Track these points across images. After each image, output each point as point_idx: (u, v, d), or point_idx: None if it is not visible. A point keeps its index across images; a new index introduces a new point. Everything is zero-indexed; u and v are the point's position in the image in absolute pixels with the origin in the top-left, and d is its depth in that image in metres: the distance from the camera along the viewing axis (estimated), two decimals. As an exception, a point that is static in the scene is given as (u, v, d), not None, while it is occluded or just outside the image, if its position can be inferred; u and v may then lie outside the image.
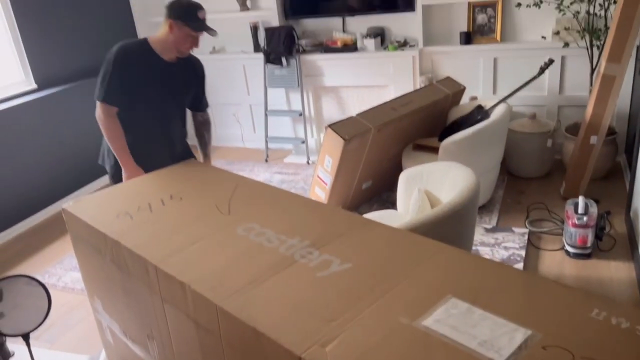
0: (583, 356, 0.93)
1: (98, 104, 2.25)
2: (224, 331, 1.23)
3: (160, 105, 2.37)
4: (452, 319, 1.07)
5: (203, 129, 2.60)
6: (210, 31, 2.24)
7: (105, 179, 4.43)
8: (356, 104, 4.36)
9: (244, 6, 4.42)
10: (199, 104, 2.56)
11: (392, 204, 3.54)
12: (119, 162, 2.29)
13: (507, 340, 0.99)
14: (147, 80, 2.27)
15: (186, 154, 2.52)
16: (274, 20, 4.34)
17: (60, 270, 3.12)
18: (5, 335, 1.56)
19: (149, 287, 1.48)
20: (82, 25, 4.25)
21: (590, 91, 3.30)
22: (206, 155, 2.64)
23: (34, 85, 3.86)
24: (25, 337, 1.57)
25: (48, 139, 3.89)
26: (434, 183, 2.48)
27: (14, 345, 2.52)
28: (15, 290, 1.54)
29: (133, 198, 1.82)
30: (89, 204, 1.82)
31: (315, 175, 3.26)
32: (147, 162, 2.32)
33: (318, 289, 1.22)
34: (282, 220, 1.57)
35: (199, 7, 2.22)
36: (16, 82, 3.77)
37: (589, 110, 3.08)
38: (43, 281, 1.88)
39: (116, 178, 2.39)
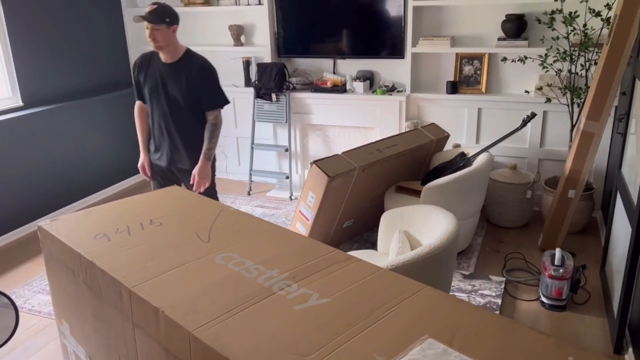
0: (557, 403, 0.93)
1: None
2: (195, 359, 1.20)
3: (159, 102, 2.75)
4: (427, 359, 1.06)
5: (207, 129, 2.80)
6: (143, 16, 2.59)
7: (84, 202, 4.36)
8: (342, 143, 4.41)
9: (237, 41, 4.50)
10: (203, 103, 2.78)
11: (372, 244, 3.54)
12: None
13: (482, 383, 0.98)
14: (147, 80, 2.75)
15: (189, 151, 2.82)
16: (267, 56, 4.42)
17: (29, 292, 3.03)
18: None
19: (120, 312, 1.44)
20: (74, 49, 4.27)
21: (570, 146, 3.39)
22: (202, 154, 2.80)
23: (20, 103, 3.84)
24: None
25: (30, 158, 3.84)
26: (415, 225, 2.50)
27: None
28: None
29: (112, 220, 1.80)
30: (67, 223, 1.79)
31: (298, 210, 3.25)
32: (154, 153, 2.90)
33: (294, 322, 1.20)
34: (262, 251, 1.56)
35: (151, 4, 2.64)
36: (2, 98, 3.74)
37: (568, 164, 3.16)
38: (10, 300, 1.82)
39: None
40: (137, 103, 2.89)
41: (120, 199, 1.97)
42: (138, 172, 4.97)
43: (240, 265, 1.48)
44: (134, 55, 4.85)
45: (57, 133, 4.06)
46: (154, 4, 2.63)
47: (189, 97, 2.71)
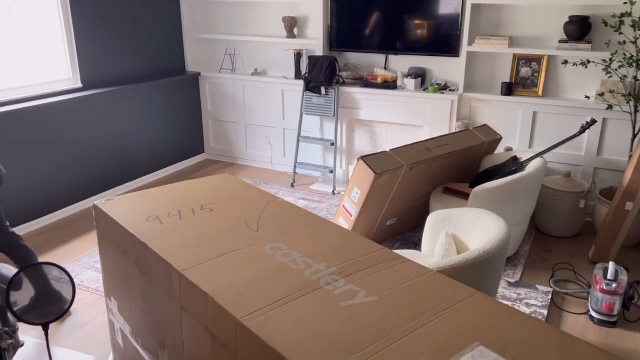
0: None
1: None
2: (240, 348, 1.20)
3: None
4: (478, 367, 1.03)
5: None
6: None
7: (136, 183, 4.49)
8: (389, 141, 4.36)
9: (290, 33, 4.50)
10: None
11: (415, 245, 3.50)
12: None
13: (536, 397, 0.94)
14: None
15: None
16: (319, 50, 4.41)
17: (78, 268, 3.14)
18: (27, 323, 1.56)
19: (169, 294, 1.47)
20: (133, 35, 4.38)
21: (630, 157, 3.24)
22: None
23: (80, 85, 3.97)
24: (45, 327, 1.56)
25: (87, 138, 3.98)
26: (463, 228, 2.44)
27: (23, 337, 2.53)
28: (42, 278, 1.55)
29: (164, 204, 1.83)
30: (121, 203, 1.83)
31: (341, 205, 3.24)
32: None
33: (341, 318, 1.19)
34: (310, 244, 1.56)
35: None
36: (63, 79, 3.88)
37: (628, 175, 3.02)
38: (64, 275, 1.88)
39: None
40: None
41: (171, 181, 2.00)
42: (189, 157, 5.07)
43: (288, 257, 1.48)
44: (189, 46, 4.94)
45: (113, 115, 4.18)
46: None
47: None
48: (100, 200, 1.85)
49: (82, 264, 3.18)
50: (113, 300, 1.91)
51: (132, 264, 1.65)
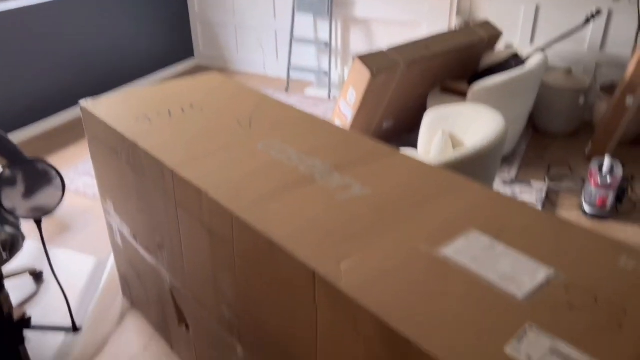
0: (606, 300, 0.90)
1: None
2: (237, 241, 1.21)
3: None
4: (473, 251, 1.03)
5: None
6: None
7: (126, 87, 4.38)
8: (385, 40, 4.20)
9: None
10: None
11: (412, 146, 3.48)
12: None
13: (529, 277, 0.96)
14: None
15: None
16: (310, -59, 4.13)
17: (74, 175, 3.14)
18: (20, 217, 1.57)
19: (163, 192, 1.46)
20: None
21: (634, 49, 3.13)
22: None
23: (58, -15, 3.74)
24: (38, 222, 1.57)
25: (75, 42, 3.82)
26: (460, 126, 2.41)
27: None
28: (31, 175, 1.53)
29: (152, 103, 1.78)
30: (107, 104, 1.78)
31: (337, 107, 3.18)
32: None
33: (337, 209, 1.19)
34: (304, 141, 1.52)
35: None
36: (40, -21, 3.65)
37: (630, 69, 2.94)
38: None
39: None
40: None
41: (160, 83, 1.93)
42: (178, 61, 4.91)
43: (282, 153, 1.45)
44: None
45: (97, 18, 3.98)
46: None
47: None
48: (86, 100, 1.79)
49: (77, 171, 3.17)
50: (109, 201, 1.91)
51: (124, 164, 1.63)
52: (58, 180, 1.54)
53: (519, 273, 0.97)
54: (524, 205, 1.20)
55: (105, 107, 1.75)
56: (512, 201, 1.22)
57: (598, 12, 3.04)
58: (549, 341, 0.82)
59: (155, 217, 1.57)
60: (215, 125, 1.61)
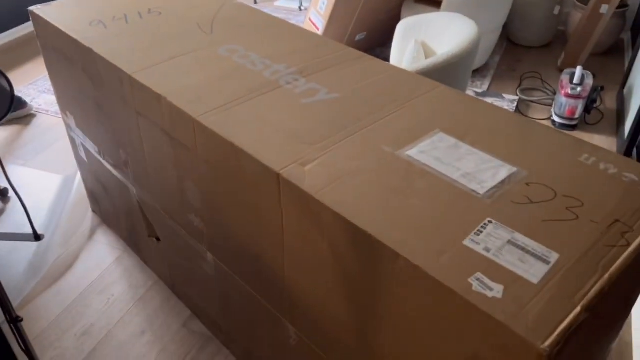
0: (565, 195, 0.91)
1: None
2: (200, 147, 1.18)
3: None
4: (437, 151, 1.03)
5: None
6: None
7: None
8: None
9: None
10: None
11: (385, 60, 3.40)
12: None
13: (491, 174, 0.96)
14: None
15: None
16: None
17: (34, 92, 3.01)
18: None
19: (123, 100, 1.40)
20: None
21: (613, -45, 3.03)
22: None
23: None
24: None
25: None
26: (433, 35, 2.35)
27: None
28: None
29: (107, 7, 1.67)
30: (60, 9, 1.66)
31: (307, 17, 3.06)
32: None
33: (302, 114, 1.16)
34: (269, 46, 1.46)
35: None
36: None
37: (607, -25, 2.86)
38: (12, 90, 1.78)
39: None
40: None
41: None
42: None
43: (245, 58, 1.39)
44: None
45: None
46: None
47: None
48: (37, 6, 1.67)
49: (37, 88, 3.04)
50: (69, 114, 1.84)
51: (81, 73, 1.55)
52: (3, 80, 1.46)
53: (481, 171, 0.97)
54: (491, 106, 1.19)
55: (56, 12, 1.64)
56: (480, 103, 1.20)
57: None
58: (507, 234, 0.84)
59: (117, 128, 1.52)
60: (174, 31, 1.53)
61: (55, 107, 2.85)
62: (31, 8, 1.65)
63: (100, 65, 1.42)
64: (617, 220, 0.86)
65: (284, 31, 1.56)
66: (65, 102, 1.81)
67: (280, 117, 1.15)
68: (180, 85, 1.26)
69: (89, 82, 1.53)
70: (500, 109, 1.19)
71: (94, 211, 2.19)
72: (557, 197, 0.91)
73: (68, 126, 1.92)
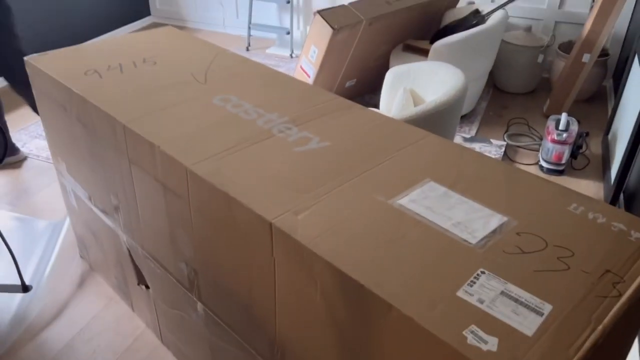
0: (556, 244, 0.92)
1: None
2: (193, 196, 1.18)
3: None
4: (428, 200, 1.04)
5: None
6: None
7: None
8: (348, -3, 4.12)
9: None
10: None
11: (374, 106, 3.46)
12: None
13: (482, 224, 0.97)
14: None
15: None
16: None
17: (26, 137, 3.01)
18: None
19: (115, 148, 1.41)
20: None
21: (592, 7, 3.17)
22: None
23: None
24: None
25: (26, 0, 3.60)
26: (421, 83, 2.40)
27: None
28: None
29: (103, 57, 1.70)
30: (55, 58, 1.69)
31: (298, 65, 3.13)
32: None
33: (294, 163, 1.17)
34: (261, 95, 1.49)
35: None
36: None
37: (587, 25, 2.98)
38: (4, 137, 1.78)
39: None
40: None
41: (111, 37, 1.84)
42: (134, 20, 4.72)
43: (238, 107, 1.42)
44: None
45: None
46: None
47: None
48: (33, 56, 1.70)
49: (29, 133, 3.05)
50: (61, 161, 1.84)
51: (75, 121, 1.56)
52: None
53: (472, 220, 0.98)
54: (479, 155, 1.21)
55: (52, 61, 1.67)
56: (469, 151, 1.23)
57: (558, -31, 3.04)
58: (500, 284, 0.84)
59: (109, 175, 1.52)
60: (168, 80, 1.56)
61: (46, 152, 2.85)
62: (27, 58, 1.67)
63: (94, 114, 1.43)
64: (608, 271, 0.87)
65: (276, 80, 1.59)
66: (58, 148, 1.81)
67: (273, 165, 1.16)
68: (174, 134, 1.27)
69: (83, 129, 1.54)
70: (488, 157, 1.21)
71: (82, 257, 2.16)
72: (548, 247, 0.92)
73: (59, 172, 1.92)
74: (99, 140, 1.47)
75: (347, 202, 1.04)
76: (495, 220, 0.98)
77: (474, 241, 0.93)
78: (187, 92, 1.49)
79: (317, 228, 0.96)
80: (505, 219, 0.99)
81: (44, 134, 3.02)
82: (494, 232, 0.95)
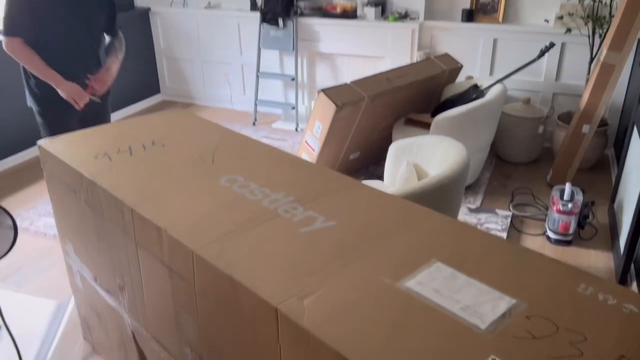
0: (567, 328, 0.90)
1: (6, 39, 2.26)
2: (198, 279, 1.18)
3: (69, 29, 2.35)
4: (435, 282, 1.03)
5: (112, 47, 2.59)
6: None
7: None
8: (350, 73, 4.28)
9: (244, -38, 4.27)
10: (111, 28, 2.55)
11: (378, 178, 3.50)
12: (51, 82, 2.33)
13: (491, 307, 0.96)
14: (53, 3, 2.27)
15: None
16: (274, -21, 4.21)
17: (34, 215, 3.04)
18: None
19: (123, 231, 1.42)
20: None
21: (587, 80, 3.26)
22: (106, 65, 2.57)
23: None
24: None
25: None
26: (423, 156, 2.44)
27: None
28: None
29: (113, 140, 1.75)
30: (66, 142, 1.74)
31: (303, 140, 3.20)
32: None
33: (300, 244, 1.17)
34: (267, 175, 1.52)
35: None
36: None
37: (585, 98, 3.05)
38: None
39: (45, 112, 2.44)
40: (16, 41, 2.28)
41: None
42: (144, 98, 4.88)
43: (244, 188, 1.44)
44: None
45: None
46: None
47: (97, 20, 2.48)
48: (44, 140, 1.75)
49: (37, 211, 3.08)
50: (68, 242, 1.85)
51: (83, 204, 1.58)
52: (9, 220, 1.48)
53: (481, 304, 0.97)
54: (485, 234, 1.21)
55: (63, 145, 1.72)
56: (474, 230, 1.23)
57: (552, 45, 3.17)
58: (512, 372, 0.81)
59: (116, 257, 1.53)
60: (177, 162, 1.59)
61: (53, 231, 2.87)
62: (40, 142, 1.73)
63: (102, 197, 1.46)
64: (622, 356, 0.84)
65: (280, 160, 1.62)
66: (65, 229, 1.83)
67: (278, 247, 1.16)
68: (181, 217, 1.28)
69: (91, 212, 1.56)
70: (494, 236, 1.21)
71: (85, 339, 2.12)
72: (559, 331, 0.90)
73: (66, 253, 1.92)
74: (107, 222, 1.49)
75: (354, 284, 1.03)
76: (504, 303, 0.97)
77: (483, 326, 0.91)
78: (194, 174, 1.52)
79: (324, 313, 0.95)
80: (513, 301, 0.97)
81: (51, 212, 3.05)
82: (503, 316, 0.94)
